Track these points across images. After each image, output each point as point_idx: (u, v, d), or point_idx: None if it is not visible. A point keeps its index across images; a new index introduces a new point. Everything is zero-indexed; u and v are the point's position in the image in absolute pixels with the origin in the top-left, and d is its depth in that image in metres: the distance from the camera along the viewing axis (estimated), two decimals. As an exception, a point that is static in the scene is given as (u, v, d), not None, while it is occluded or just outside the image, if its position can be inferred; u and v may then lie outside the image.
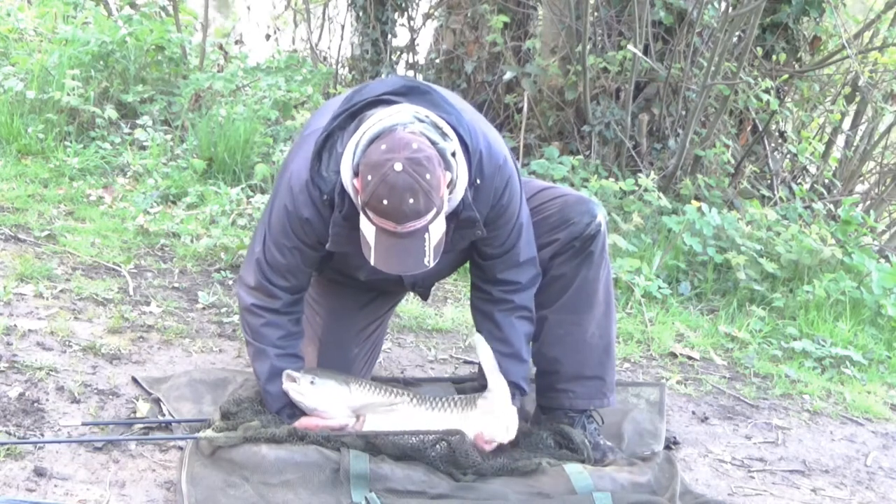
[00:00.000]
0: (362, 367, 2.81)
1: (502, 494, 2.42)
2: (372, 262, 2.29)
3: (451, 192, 2.34)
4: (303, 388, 2.49)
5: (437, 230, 2.28)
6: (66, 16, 6.05)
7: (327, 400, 2.51)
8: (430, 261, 2.28)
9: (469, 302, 2.78)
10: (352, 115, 2.38)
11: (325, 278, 2.76)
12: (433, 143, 2.26)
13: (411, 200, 2.19)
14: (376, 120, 2.29)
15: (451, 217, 2.40)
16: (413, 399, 2.57)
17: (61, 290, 3.40)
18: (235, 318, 3.38)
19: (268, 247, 2.52)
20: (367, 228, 2.28)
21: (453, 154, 2.31)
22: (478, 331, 2.67)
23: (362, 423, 2.52)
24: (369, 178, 2.21)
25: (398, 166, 2.18)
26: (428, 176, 2.20)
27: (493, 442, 2.54)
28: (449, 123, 2.34)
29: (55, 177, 4.55)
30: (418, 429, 2.50)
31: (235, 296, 2.69)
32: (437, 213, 2.26)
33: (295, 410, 2.54)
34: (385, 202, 2.19)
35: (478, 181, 2.42)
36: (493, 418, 2.54)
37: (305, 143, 2.47)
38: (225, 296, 3.55)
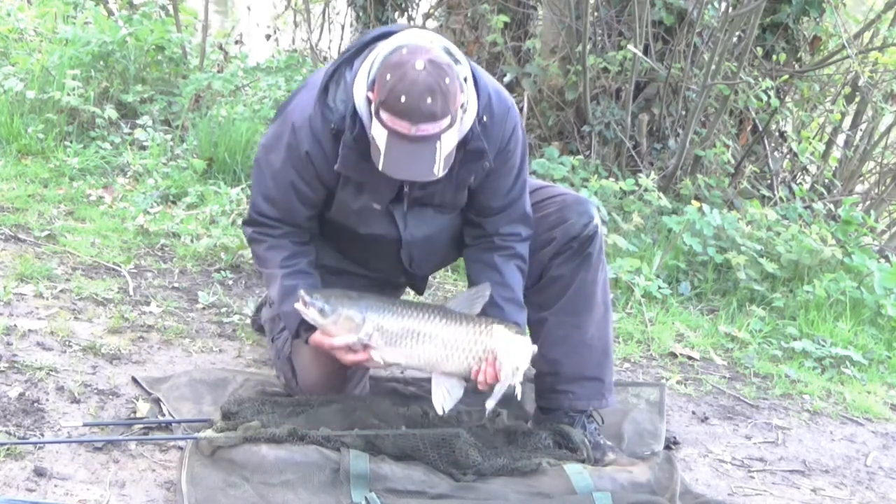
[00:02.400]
0: (358, 368, 2.79)
1: (502, 494, 2.42)
2: (381, 168, 2.28)
3: (463, 113, 2.34)
4: (312, 314, 2.46)
5: (448, 142, 2.28)
6: (66, 16, 6.04)
7: (339, 327, 2.47)
8: (439, 170, 2.28)
9: (465, 261, 2.73)
10: (358, 50, 2.41)
11: (322, 243, 2.71)
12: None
13: (429, 100, 2.20)
14: (390, 42, 2.31)
15: (459, 147, 2.39)
16: (427, 317, 2.51)
17: (61, 290, 3.40)
18: (235, 318, 3.39)
19: (266, 185, 2.53)
20: (379, 133, 2.26)
21: (465, 79, 2.32)
22: (476, 283, 2.64)
23: (372, 353, 2.48)
24: (388, 77, 2.22)
25: (419, 65, 2.20)
26: (447, 80, 2.22)
27: (494, 382, 2.47)
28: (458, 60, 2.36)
29: (55, 177, 4.54)
30: (417, 431, 2.50)
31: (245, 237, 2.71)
32: (451, 124, 2.26)
33: (311, 328, 2.51)
34: (403, 99, 2.20)
35: (485, 118, 2.43)
36: (506, 351, 2.46)
37: (305, 88, 2.50)
38: (225, 296, 3.55)
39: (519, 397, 2.51)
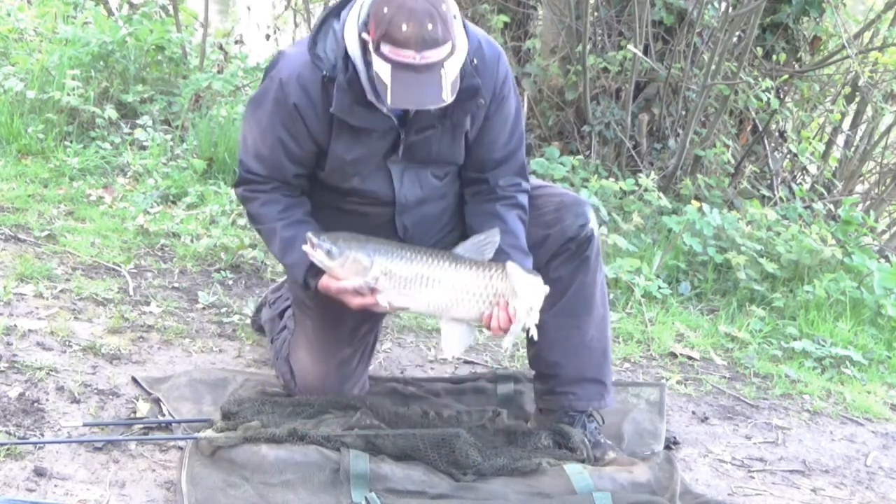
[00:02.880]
0: (356, 367, 2.79)
1: (502, 494, 2.42)
2: (389, 102, 2.29)
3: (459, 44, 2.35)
4: (319, 257, 2.44)
5: (452, 69, 2.29)
6: (66, 16, 6.04)
7: (347, 270, 2.45)
8: (447, 95, 2.29)
9: (467, 216, 2.70)
10: (343, 2, 2.44)
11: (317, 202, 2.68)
12: None
13: (430, 26, 2.21)
14: None
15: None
16: (437, 261, 2.49)
17: (61, 290, 3.40)
18: (235, 318, 3.39)
19: (254, 142, 2.53)
20: (383, 68, 2.27)
21: (454, 16, 2.33)
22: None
23: (379, 297, 2.46)
24: (385, 10, 2.23)
25: None
26: (444, 7, 2.25)
27: (508, 325, 2.44)
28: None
29: (55, 177, 4.54)
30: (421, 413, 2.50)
31: (238, 197, 2.70)
32: (453, 51, 2.28)
33: (318, 273, 2.50)
34: (405, 28, 2.21)
35: (475, 61, 2.45)
36: (520, 292, 2.43)
37: (292, 47, 2.53)
38: (225, 296, 3.55)
39: (535, 337, 2.46)
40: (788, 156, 6.31)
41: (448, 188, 2.67)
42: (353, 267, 2.44)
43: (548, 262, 2.65)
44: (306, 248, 2.44)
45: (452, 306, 2.49)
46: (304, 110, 2.45)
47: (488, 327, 2.49)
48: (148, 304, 3.41)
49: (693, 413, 3.28)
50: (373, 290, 2.45)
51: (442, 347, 2.48)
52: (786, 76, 5.96)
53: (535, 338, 2.48)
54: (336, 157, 2.53)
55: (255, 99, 2.56)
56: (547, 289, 2.47)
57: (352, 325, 2.77)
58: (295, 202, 2.59)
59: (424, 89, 2.28)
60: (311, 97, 2.45)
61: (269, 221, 2.57)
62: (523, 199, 2.65)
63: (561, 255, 2.65)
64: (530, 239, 2.64)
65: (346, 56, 2.39)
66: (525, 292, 2.43)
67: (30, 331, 3.06)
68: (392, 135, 2.50)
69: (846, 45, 5.53)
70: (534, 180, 2.85)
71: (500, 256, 2.53)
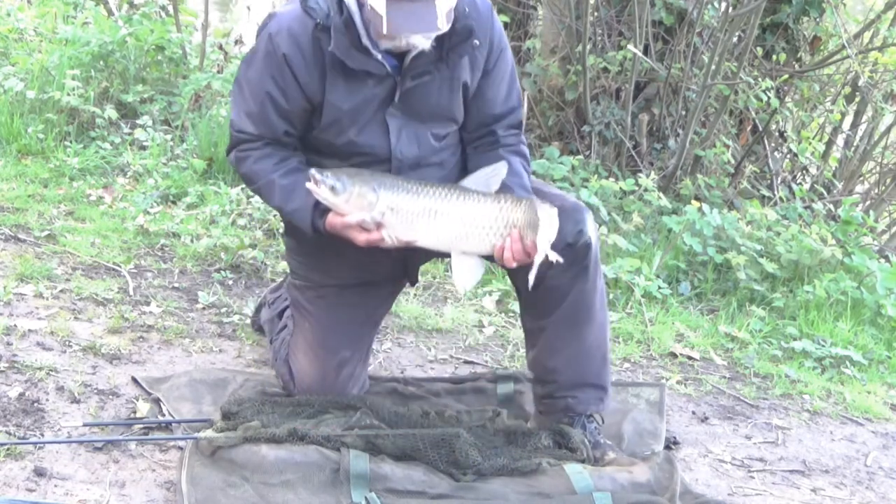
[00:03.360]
0: (355, 368, 2.79)
1: (502, 494, 2.42)
2: (385, 31, 2.32)
3: None
4: (323, 192, 2.42)
5: (444, 1, 2.34)
6: (66, 16, 6.04)
7: (352, 205, 2.42)
8: (442, 24, 2.33)
9: (469, 165, 2.70)
10: None
11: (312, 151, 2.67)
12: None
13: None
14: None
15: (447, 33, 2.44)
16: (444, 194, 2.46)
17: (61, 290, 3.40)
18: (235, 318, 3.39)
19: (245, 100, 2.54)
20: (378, 2, 2.31)
21: None
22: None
23: (385, 232, 2.44)
24: None
25: None
26: None
27: (521, 257, 2.44)
28: None
29: (55, 177, 4.55)
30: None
31: (231, 162, 2.69)
32: None
33: (323, 213, 2.49)
34: None
35: (467, 10, 2.48)
36: (540, 222, 2.41)
37: (283, 6, 2.53)
38: (225, 296, 3.55)
39: (561, 260, 2.45)
40: (788, 156, 6.31)
41: (447, 156, 2.65)
42: (358, 202, 2.41)
43: (546, 269, 2.63)
44: (310, 185, 2.43)
45: (462, 240, 2.46)
46: (293, 60, 2.46)
47: (500, 260, 2.48)
48: (148, 304, 3.41)
49: (693, 413, 3.28)
50: (378, 225, 2.43)
51: (454, 282, 2.46)
52: (786, 76, 5.96)
53: (561, 260, 2.44)
54: (333, 108, 2.52)
55: (246, 59, 2.58)
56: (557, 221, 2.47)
57: (350, 328, 2.77)
58: (289, 154, 2.58)
59: (420, 16, 2.31)
60: (300, 47, 2.46)
61: (266, 175, 2.55)
62: (524, 148, 2.70)
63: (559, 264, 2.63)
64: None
65: (340, 2, 2.43)
66: (541, 223, 2.41)
67: (30, 331, 3.06)
68: (388, 83, 2.51)
69: (846, 45, 5.53)
70: (533, 182, 2.84)
71: (505, 191, 2.55)
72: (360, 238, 2.46)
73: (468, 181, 2.53)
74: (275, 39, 2.47)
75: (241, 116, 2.56)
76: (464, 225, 2.46)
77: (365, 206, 2.41)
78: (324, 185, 2.41)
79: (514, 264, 2.46)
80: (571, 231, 2.59)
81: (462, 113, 2.63)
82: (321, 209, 2.49)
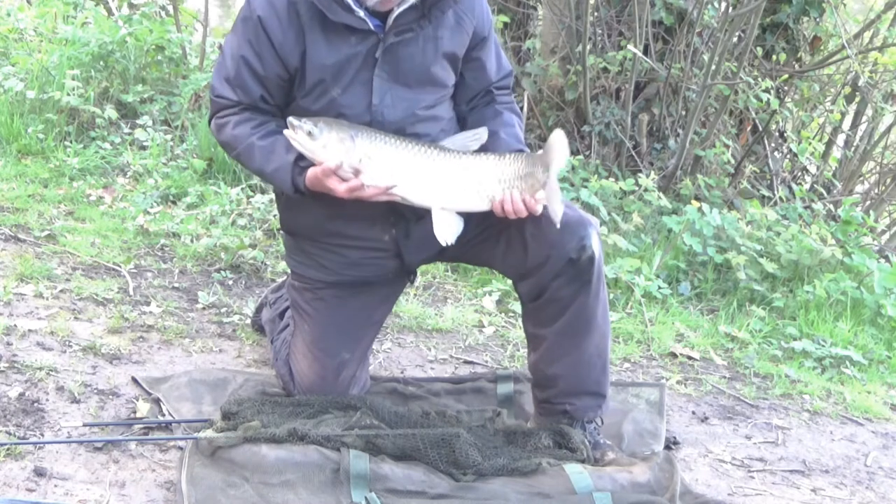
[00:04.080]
0: (355, 370, 2.79)
1: (502, 494, 2.42)
2: None
3: None
4: (300, 138, 2.42)
5: None
6: (66, 16, 6.04)
7: (329, 151, 2.41)
8: None
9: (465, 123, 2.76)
10: None
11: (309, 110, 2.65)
12: None
13: None
14: None
15: None
16: (424, 149, 2.48)
17: (61, 290, 3.40)
18: (235, 318, 3.39)
19: (225, 66, 2.56)
20: None
21: None
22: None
23: (364, 178, 2.43)
24: None
25: None
26: None
27: (521, 210, 2.48)
28: None
29: (55, 177, 4.55)
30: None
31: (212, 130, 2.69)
32: None
33: (303, 171, 2.49)
34: None
35: None
36: (541, 177, 2.45)
37: None
38: (225, 296, 3.55)
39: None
40: (788, 156, 6.31)
41: (435, 130, 2.63)
42: (335, 147, 2.40)
43: (550, 281, 2.63)
44: (287, 132, 2.43)
45: (441, 195, 2.49)
46: (267, 22, 2.48)
47: (500, 213, 2.51)
48: (148, 304, 3.41)
49: (693, 413, 3.28)
50: (356, 172, 2.42)
51: (436, 235, 2.48)
52: (786, 76, 5.96)
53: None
54: (315, 66, 2.51)
55: (231, 29, 2.63)
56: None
57: (349, 330, 2.76)
58: (268, 119, 2.58)
59: None
60: (275, 8, 2.48)
61: (245, 139, 2.55)
62: (516, 108, 2.78)
63: (562, 276, 2.60)
64: (532, 259, 2.62)
65: None
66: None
67: (30, 331, 3.06)
68: (372, 40, 2.52)
69: (846, 45, 5.53)
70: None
71: (495, 138, 2.61)
72: (340, 188, 2.44)
73: (448, 141, 2.54)
74: (252, 3, 2.51)
75: (221, 82, 2.59)
76: (442, 180, 2.47)
77: (342, 151, 2.41)
78: (301, 131, 2.41)
79: (514, 215, 2.50)
80: (574, 247, 2.58)
81: (450, 79, 2.65)
82: (301, 167, 2.49)
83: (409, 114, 2.58)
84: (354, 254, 2.68)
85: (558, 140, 2.49)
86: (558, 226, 2.49)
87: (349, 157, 2.41)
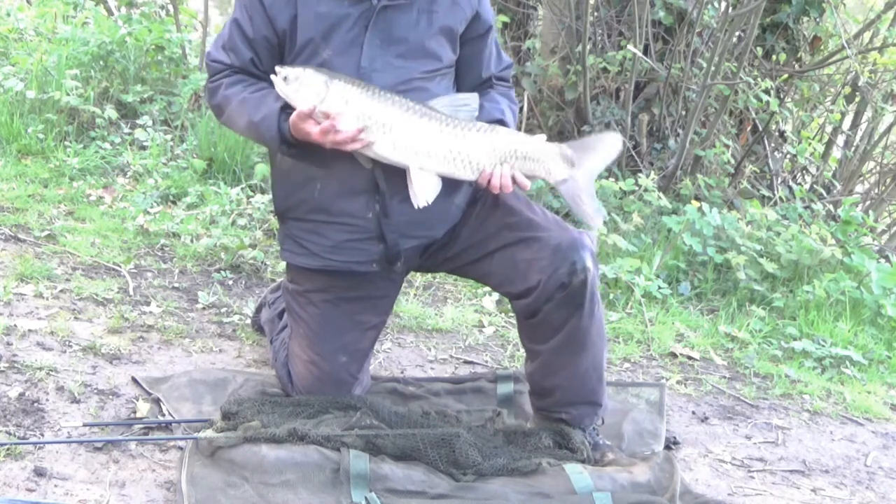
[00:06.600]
0: (354, 372, 2.77)
1: (502, 494, 2.42)
2: None
3: None
4: (279, 83, 2.46)
5: None
6: (66, 16, 6.04)
7: (303, 96, 2.43)
8: None
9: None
10: None
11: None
12: None
13: None
14: None
15: None
16: (408, 105, 2.47)
17: (61, 290, 3.40)
18: (235, 318, 3.39)
19: (223, 34, 2.63)
20: None
21: None
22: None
23: (340, 122, 2.43)
24: None
25: None
26: None
27: (511, 183, 2.52)
28: None
29: (55, 177, 4.55)
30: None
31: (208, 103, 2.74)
32: None
33: (289, 117, 2.50)
34: None
35: None
36: (554, 170, 2.50)
37: None
38: (225, 296, 3.55)
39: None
40: (788, 156, 6.32)
41: (423, 99, 2.58)
42: (308, 91, 2.43)
43: (542, 304, 2.61)
44: (272, 77, 2.48)
45: (419, 156, 2.48)
46: None
47: (486, 186, 2.54)
48: (148, 304, 3.41)
49: (693, 413, 3.28)
50: (328, 117, 2.42)
51: (412, 196, 2.48)
52: (786, 76, 5.97)
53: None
54: (306, 25, 2.52)
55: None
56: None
57: (344, 334, 2.74)
58: (260, 82, 2.61)
59: None
60: None
61: (236, 95, 2.58)
62: (513, 96, 2.80)
63: (554, 300, 2.59)
64: (523, 283, 2.62)
65: None
66: (538, 165, 2.52)
67: (30, 331, 3.05)
68: (365, 4, 2.52)
69: (846, 45, 5.53)
70: (533, 210, 2.75)
71: (485, 110, 2.63)
72: (314, 130, 2.44)
73: (436, 102, 2.53)
74: None
75: (217, 48, 2.64)
76: (426, 141, 2.47)
77: (314, 95, 2.43)
78: (280, 76, 2.46)
79: (498, 191, 2.54)
80: (566, 272, 2.57)
81: (447, 55, 2.63)
82: (287, 113, 2.51)
83: (399, 81, 2.55)
84: (338, 235, 2.65)
85: (602, 143, 2.50)
86: (595, 232, 2.51)
87: (323, 102, 2.43)
